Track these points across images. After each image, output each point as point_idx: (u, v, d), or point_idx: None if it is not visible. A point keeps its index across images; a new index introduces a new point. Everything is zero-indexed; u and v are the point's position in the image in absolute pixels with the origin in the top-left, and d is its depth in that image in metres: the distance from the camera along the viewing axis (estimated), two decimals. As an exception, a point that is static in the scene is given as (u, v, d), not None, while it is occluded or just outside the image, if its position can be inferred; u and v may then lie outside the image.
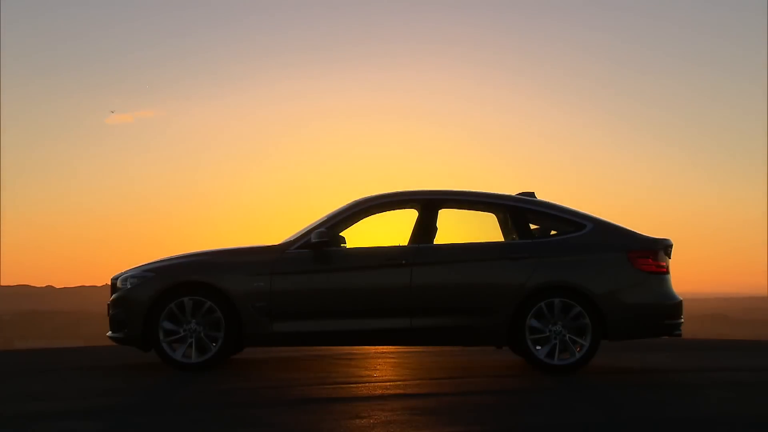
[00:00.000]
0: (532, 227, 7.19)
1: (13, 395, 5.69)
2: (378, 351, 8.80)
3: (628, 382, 6.54)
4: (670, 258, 7.11)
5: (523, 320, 6.74)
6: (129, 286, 6.87)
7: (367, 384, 6.16)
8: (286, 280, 6.80)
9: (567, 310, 6.74)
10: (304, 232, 7.01)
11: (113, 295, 7.00)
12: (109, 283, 7.21)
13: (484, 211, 7.45)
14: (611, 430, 4.56)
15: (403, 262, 6.82)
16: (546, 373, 6.66)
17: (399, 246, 6.95)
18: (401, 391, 5.78)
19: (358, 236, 7.12)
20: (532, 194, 7.43)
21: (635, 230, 7.15)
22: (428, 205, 7.11)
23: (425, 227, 7.02)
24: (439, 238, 7.05)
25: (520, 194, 7.39)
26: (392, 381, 6.31)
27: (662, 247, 7.02)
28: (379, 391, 5.76)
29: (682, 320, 7.03)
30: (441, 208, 7.14)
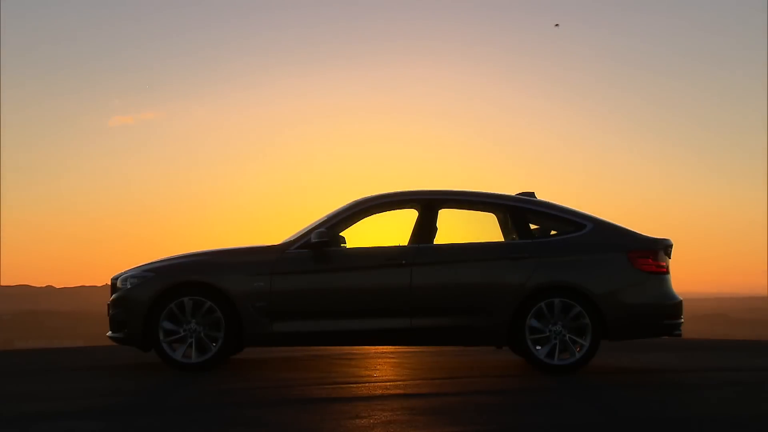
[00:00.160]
0: (532, 227, 7.18)
1: (13, 395, 5.68)
2: (378, 351, 8.80)
3: (628, 382, 6.54)
4: (670, 258, 7.11)
5: (523, 320, 6.73)
6: (129, 286, 6.86)
7: (367, 384, 6.15)
8: (286, 280, 6.80)
9: (567, 310, 6.74)
10: (304, 232, 7.01)
11: (113, 295, 7.00)
12: (109, 283, 7.21)
13: (484, 211, 7.45)
14: (611, 430, 4.56)
15: (403, 262, 6.82)
16: (546, 373, 6.66)
17: (399, 246, 6.95)
18: (401, 391, 5.77)
19: (358, 236, 7.13)
20: (532, 194, 7.43)
21: (635, 230, 7.15)
22: (428, 205, 7.11)
23: (425, 227, 7.02)
24: (439, 238, 7.05)
25: (520, 194, 7.39)
26: (392, 381, 6.31)
27: (662, 247, 7.02)
28: (379, 391, 5.76)
29: (682, 320, 7.03)
30: (441, 208, 7.14)
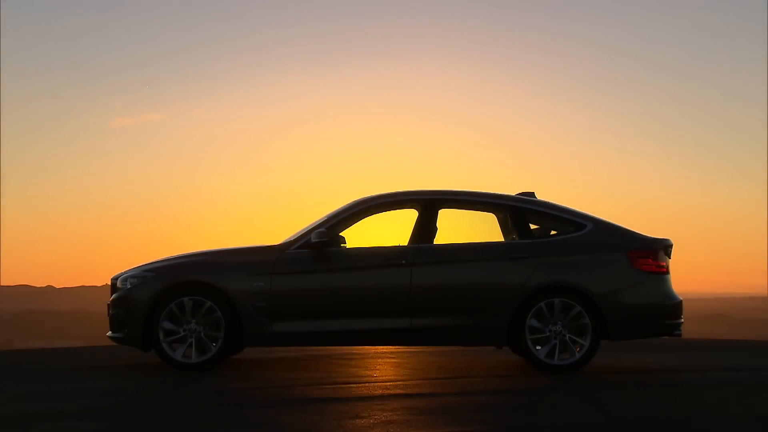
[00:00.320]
0: (532, 227, 7.19)
1: (13, 395, 5.68)
2: (378, 351, 8.80)
3: (628, 382, 6.54)
4: (670, 258, 7.11)
5: (523, 320, 6.73)
6: (129, 286, 6.86)
7: (367, 384, 6.15)
8: (286, 280, 6.80)
9: (567, 310, 6.74)
10: (304, 232, 7.01)
11: (113, 295, 7.00)
12: (109, 283, 7.21)
13: (484, 211, 7.46)
14: (611, 430, 4.56)
15: (403, 262, 6.82)
16: (546, 373, 6.66)
17: (399, 246, 6.95)
18: (401, 391, 5.77)
19: (358, 236, 7.13)
20: (532, 194, 7.43)
21: (635, 230, 7.15)
22: (428, 205, 7.11)
23: (425, 227, 7.02)
24: (439, 238, 7.05)
25: (520, 194, 7.39)
26: (392, 381, 6.31)
27: (662, 247, 7.02)
28: (379, 391, 5.76)
29: (682, 320, 7.03)
30: (441, 208, 7.14)
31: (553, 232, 7.22)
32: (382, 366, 7.41)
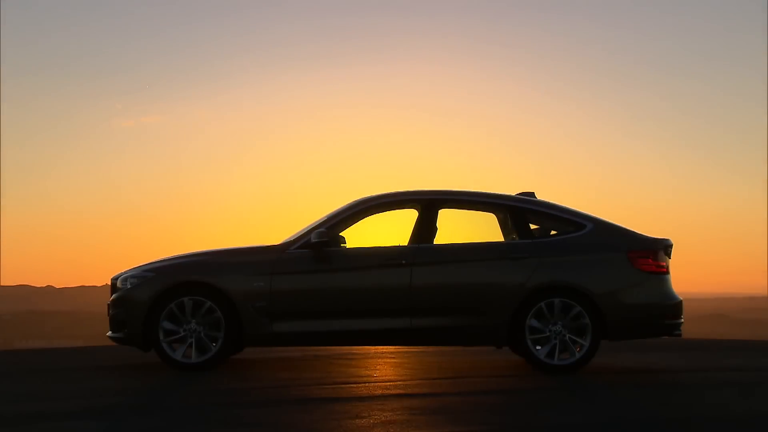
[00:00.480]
0: (532, 227, 7.18)
1: (13, 395, 5.68)
2: (378, 351, 8.80)
3: (628, 382, 6.54)
4: (670, 258, 7.11)
5: (523, 320, 6.73)
6: (129, 286, 6.86)
7: (367, 384, 6.15)
8: (286, 280, 6.80)
9: (567, 310, 6.74)
10: (304, 232, 7.01)
11: (113, 295, 7.00)
12: (109, 283, 7.21)
13: (484, 211, 7.45)
14: (611, 430, 4.56)
15: (403, 262, 6.82)
16: (546, 373, 6.66)
17: (399, 246, 6.95)
18: (401, 391, 5.77)
19: (358, 236, 7.12)
20: (532, 194, 7.43)
21: (635, 230, 7.14)
22: (428, 205, 7.11)
23: (425, 227, 7.02)
24: (439, 238, 7.05)
25: (520, 194, 7.38)
26: (392, 381, 6.31)
27: (662, 247, 7.02)
28: (379, 391, 5.76)
29: (682, 320, 7.03)
30: (441, 208, 7.13)
31: (553, 232, 7.22)
32: (382, 366, 7.41)
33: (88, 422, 4.63)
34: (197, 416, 4.85)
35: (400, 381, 6.32)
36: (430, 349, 8.83)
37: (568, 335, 6.73)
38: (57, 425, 4.55)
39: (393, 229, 7.33)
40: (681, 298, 7.03)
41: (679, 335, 7.04)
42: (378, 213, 7.22)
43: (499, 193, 7.32)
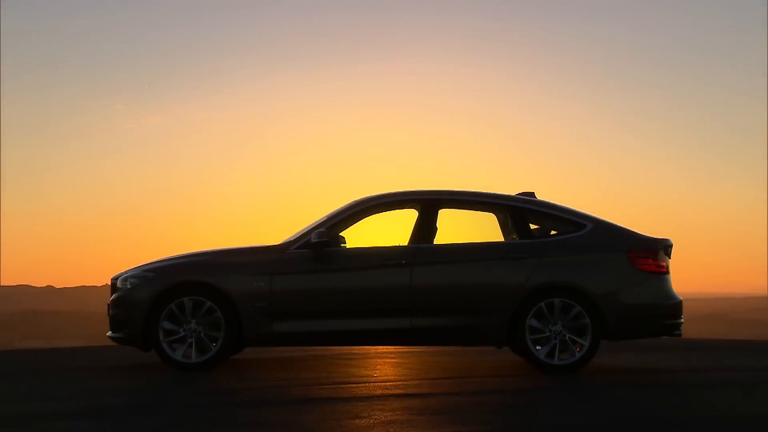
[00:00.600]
0: (532, 227, 7.18)
1: (13, 395, 5.69)
2: (378, 351, 8.80)
3: (628, 382, 6.54)
4: (670, 258, 7.11)
5: (523, 320, 6.73)
6: (129, 286, 6.86)
7: (367, 384, 6.15)
8: (286, 280, 6.80)
9: (567, 310, 6.74)
10: (304, 232, 7.01)
11: (113, 295, 7.00)
12: (109, 283, 7.21)
13: (484, 211, 7.45)
14: (611, 430, 4.56)
15: (403, 262, 6.82)
16: (546, 373, 6.66)
17: (399, 246, 6.95)
18: (401, 391, 5.77)
19: (358, 236, 7.12)
20: (532, 194, 7.43)
21: (635, 230, 7.14)
22: (428, 205, 7.11)
23: (425, 227, 7.02)
24: (439, 238, 7.05)
25: (520, 194, 7.38)
26: (392, 381, 6.31)
27: (662, 247, 7.02)
28: (379, 391, 5.76)
29: (682, 320, 7.03)
30: (441, 208, 7.13)
31: (553, 232, 7.22)
32: (382, 366, 7.41)
33: (88, 422, 4.63)
34: (197, 416, 4.85)
35: (400, 381, 6.32)
36: (430, 349, 8.83)
37: (568, 335, 6.73)
38: (57, 425, 4.55)
39: (393, 229, 7.34)
40: (681, 298, 7.04)
41: (679, 335, 7.04)
42: (378, 213, 7.22)
43: (499, 193, 7.32)
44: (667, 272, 7.02)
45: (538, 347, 6.73)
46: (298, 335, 6.81)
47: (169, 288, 6.73)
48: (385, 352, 8.68)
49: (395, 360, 7.95)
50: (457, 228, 7.35)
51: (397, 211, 7.30)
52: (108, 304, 7.03)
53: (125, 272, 7.00)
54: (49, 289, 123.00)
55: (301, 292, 6.82)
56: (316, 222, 7.13)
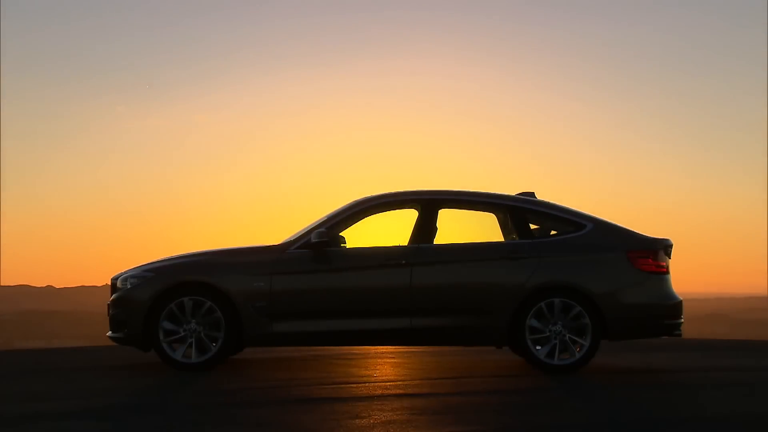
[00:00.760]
0: (532, 227, 7.19)
1: (13, 395, 5.68)
2: (378, 351, 8.80)
3: (628, 382, 6.54)
4: (670, 258, 7.11)
5: (523, 320, 6.74)
6: (129, 286, 6.87)
7: (367, 384, 6.16)
8: (286, 280, 6.80)
9: (567, 310, 6.74)
10: (304, 232, 7.01)
11: (113, 295, 7.00)
12: (109, 283, 7.21)
13: (484, 211, 7.45)
14: (611, 430, 4.56)
15: (403, 262, 6.82)
16: (546, 373, 6.66)
17: (399, 246, 6.95)
18: (401, 391, 5.77)
19: (358, 236, 7.13)
20: (532, 194, 7.43)
21: (635, 230, 7.15)
22: (428, 205, 7.11)
23: (425, 227, 7.02)
24: (439, 238, 7.05)
25: (520, 194, 7.39)
26: (392, 381, 6.31)
27: (662, 247, 7.02)
28: (379, 391, 5.76)
29: (682, 320, 7.03)
30: (441, 208, 7.14)
31: (553, 232, 7.22)
32: (382, 366, 7.41)
33: (88, 422, 4.63)
34: (197, 416, 4.85)
35: (400, 381, 6.32)
36: (430, 349, 8.83)
37: (568, 335, 6.73)
38: (57, 425, 4.55)
39: (393, 229, 7.34)
40: (681, 298, 7.04)
41: (679, 335, 7.04)
42: (378, 213, 7.22)
43: (499, 193, 7.33)
44: (667, 272, 7.02)
45: (538, 347, 6.73)
46: (298, 335, 6.81)
47: (169, 288, 6.74)
48: (385, 352, 8.68)
49: (395, 360, 7.95)
50: (457, 228, 7.36)
51: (397, 211, 7.30)
52: (108, 304, 7.03)
53: (125, 272, 7.01)
54: (49, 289, 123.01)
55: (301, 292, 6.82)
56: (316, 222, 7.13)
